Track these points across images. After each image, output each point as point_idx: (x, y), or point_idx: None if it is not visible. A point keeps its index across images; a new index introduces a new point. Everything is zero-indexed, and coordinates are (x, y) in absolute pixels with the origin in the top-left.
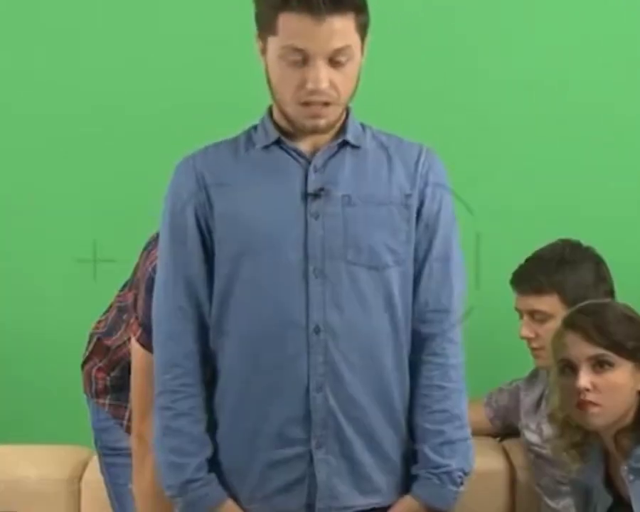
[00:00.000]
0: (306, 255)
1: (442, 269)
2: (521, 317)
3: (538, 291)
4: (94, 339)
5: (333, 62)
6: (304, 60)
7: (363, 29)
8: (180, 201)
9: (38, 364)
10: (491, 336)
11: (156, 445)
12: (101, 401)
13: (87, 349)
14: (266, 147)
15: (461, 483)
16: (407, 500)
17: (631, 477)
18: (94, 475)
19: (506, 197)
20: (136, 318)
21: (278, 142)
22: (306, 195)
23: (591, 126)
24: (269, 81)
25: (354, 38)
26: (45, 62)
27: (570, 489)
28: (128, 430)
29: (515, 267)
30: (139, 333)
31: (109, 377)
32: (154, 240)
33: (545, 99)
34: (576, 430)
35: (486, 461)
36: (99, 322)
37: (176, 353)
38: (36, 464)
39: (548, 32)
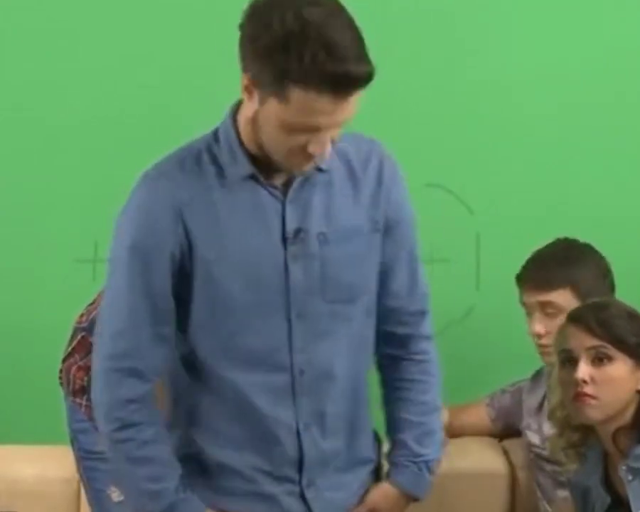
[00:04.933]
0: (287, 299)
1: (412, 273)
2: (529, 314)
3: (552, 284)
4: (79, 335)
5: None
6: (313, 129)
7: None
8: (152, 235)
9: (38, 364)
10: (491, 336)
11: (124, 478)
12: (78, 400)
13: (69, 344)
14: (240, 179)
15: (435, 471)
16: (385, 487)
17: (630, 477)
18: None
19: (506, 198)
20: None
21: (252, 175)
22: (284, 238)
23: (591, 127)
24: (254, 120)
25: (359, 98)
26: (45, 62)
27: (569, 489)
28: None
29: (514, 267)
30: None
31: (87, 377)
32: None
33: (546, 100)
34: (575, 430)
35: (486, 461)
36: (81, 315)
37: (136, 391)
38: (36, 464)
39: (547, 33)
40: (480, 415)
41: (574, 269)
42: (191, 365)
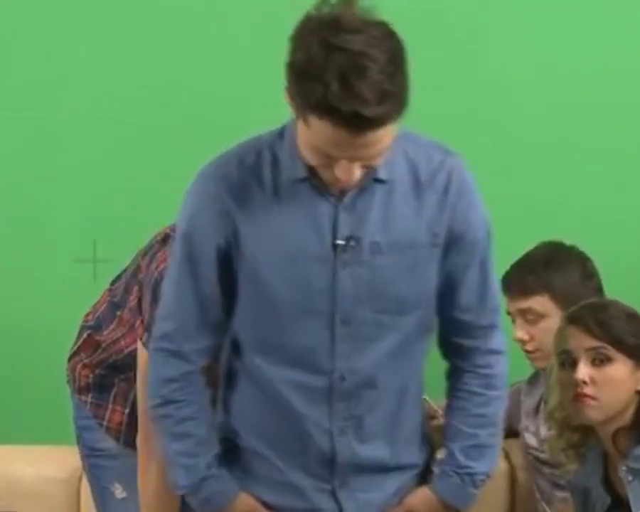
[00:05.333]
0: (333, 304)
1: (482, 287)
2: (513, 321)
3: (528, 292)
4: (85, 333)
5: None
6: (333, 157)
7: (404, 113)
8: (200, 228)
9: (38, 364)
10: None
11: (163, 450)
12: (83, 398)
13: (75, 342)
14: (295, 181)
15: (482, 486)
16: (425, 492)
17: (630, 477)
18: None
19: (505, 199)
20: (142, 321)
21: (306, 178)
22: (335, 244)
23: (590, 128)
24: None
25: (392, 134)
26: (44, 63)
27: (569, 490)
28: (107, 431)
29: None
30: (144, 336)
31: (92, 374)
32: (157, 243)
33: (545, 101)
34: (574, 431)
35: None
36: (88, 314)
37: (177, 371)
38: (36, 464)
39: (546, 34)
40: None
41: (552, 274)
42: (237, 352)
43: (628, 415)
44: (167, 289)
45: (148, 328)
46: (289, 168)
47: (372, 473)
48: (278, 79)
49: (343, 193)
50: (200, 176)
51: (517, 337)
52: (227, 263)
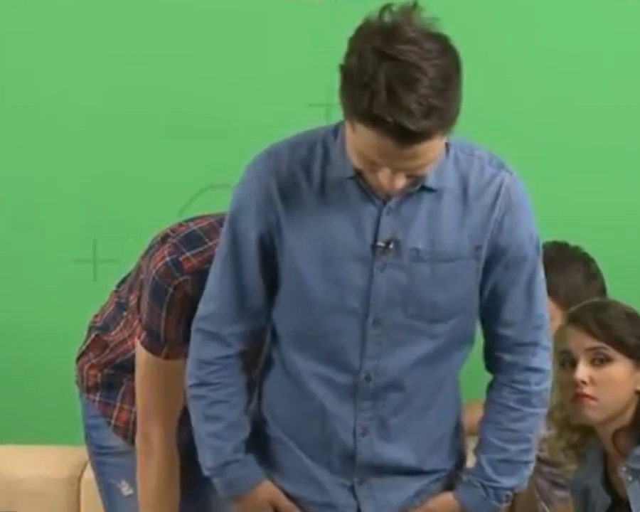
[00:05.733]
0: (367, 305)
1: (526, 304)
2: None
3: None
4: (93, 334)
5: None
6: (375, 164)
7: (452, 128)
8: (245, 215)
9: (38, 364)
10: None
11: (195, 430)
12: (91, 397)
13: (84, 343)
14: (342, 179)
15: (506, 501)
16: (447, 498)
17: (630, 478)
18: (93, 475)
19: None
20: (140, 320)
21: (354, 177)
22: (375, 246)
23: (592, 129)
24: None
25: (439, 147)
26: (44, 63)
27: (569, 490)
28: (115, 430)
29: None
30: (142, 336)
31: (101, 374)
32: (157, 243)
33: (546, 101)
34: (574, 431)
35: None
36: (96, 315)
37: (213, 353)
38: (36, 464)
39: (547, 35)
40: (479, 415)
41: (554, 276)
42: (275, 342)
43: (628, 415)
44: (212, 271)
45: (145, 328)
46: (339, 166)
47: (393, 474)
48: (280, 79)
49: (389, 196)
50: (251, 165)
51: None
52: (270, 252)
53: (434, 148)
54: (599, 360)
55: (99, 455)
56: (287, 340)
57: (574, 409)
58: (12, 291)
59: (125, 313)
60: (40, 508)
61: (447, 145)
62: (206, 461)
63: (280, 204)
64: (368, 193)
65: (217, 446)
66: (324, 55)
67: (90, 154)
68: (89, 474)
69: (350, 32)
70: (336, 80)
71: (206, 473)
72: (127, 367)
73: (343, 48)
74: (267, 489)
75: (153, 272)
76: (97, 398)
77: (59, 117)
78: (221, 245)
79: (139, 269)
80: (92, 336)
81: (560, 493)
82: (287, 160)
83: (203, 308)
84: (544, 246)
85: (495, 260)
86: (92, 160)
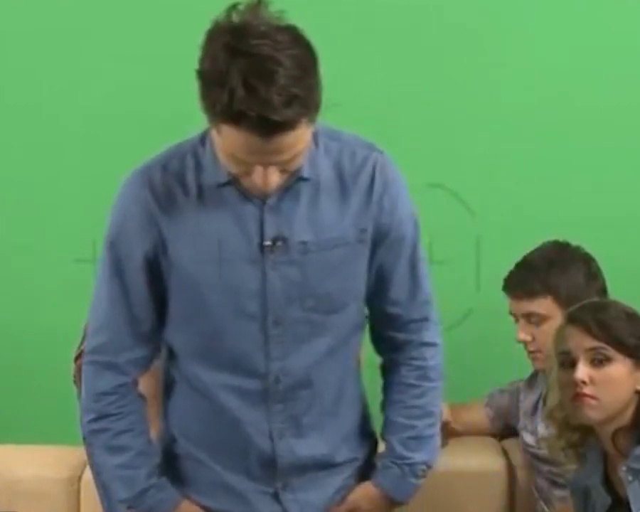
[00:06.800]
0: (264, 307)
1: (412, 280)
2: (516, 321)
3: (532, 295)
4: None
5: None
6: (248, 164)
7: (316, 116)
8: (126, 235)
9: (38, 364)
10: (492, 338)
11: (99, 468)
12: None
13: (81, 343)
14: (218, 186)
15: (423, 476)
16: (367, 486)
17: (630, 477)
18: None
19: (507, 200)
20: None
21: (230, 182)
22: (262, 245)
23: (593, 129)
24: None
25: (305, 136)
26: (44, 63)
27: (569, 489)
28: None
29: None
30: None
31: None
32: None
33: (545, 99)
34: (574, 431)
35: (485, 461)
36: None
37: (110, 383)
38: (36, 464)
39: (547, 32)
40: (479, 415)
41: (556, 276)
42: (172, 360)
43: (628, 415)
44: (96, 301)
45: None
46: (212, 173)
47: (313, 472)
48: None
49: (267, 195)
50: (124, 184)
51: (519, 338)
52: (156, 270)
53: (300, 138)
54: (599, 360)
55: None
56: (187, 355)
57: (574, 409)
58: (12, 291)
59: None
60: (40, 508)
61: (315, 135)
62: (118, 493)
63: (161, 218)
64: (246, 194)
65: (129, 476)
66: (324, 56)
67: (90, 154)
68: (89, 474)
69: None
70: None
71: (121, 505)
72: None
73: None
74: (188, 508)
75: None
76: None
77: (59, 117)
78: (102, 274)
79: None
80: None
81: (559, 493)
82: (160, 175)
83: (93, 340)
84: (545, 246)
85: (379, 241)
86: (92, 160)
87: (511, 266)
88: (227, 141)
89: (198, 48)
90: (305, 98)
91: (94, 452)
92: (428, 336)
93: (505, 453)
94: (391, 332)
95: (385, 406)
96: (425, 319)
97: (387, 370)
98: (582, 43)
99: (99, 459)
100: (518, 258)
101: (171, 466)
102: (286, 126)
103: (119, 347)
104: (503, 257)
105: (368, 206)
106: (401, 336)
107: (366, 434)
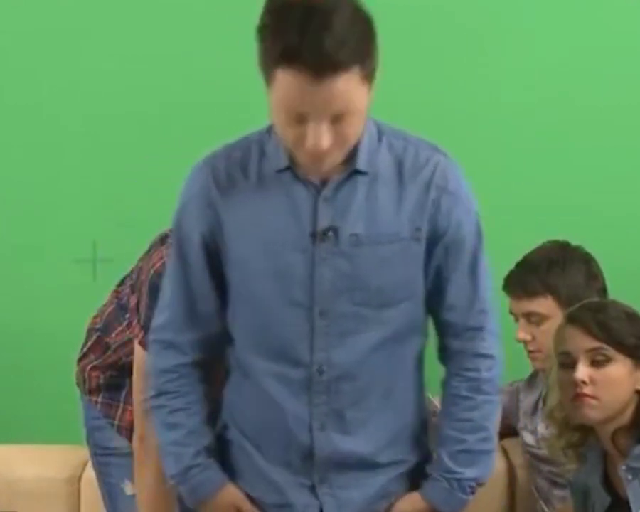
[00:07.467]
0: (312, 296)
1: (469, 287)
2: (516, 320)
3: (532, 294)
4: (94, 335)
5: (335, 118)
6: (302, 117)
7: (370, 77)
8: (187, 218)
9: (38, 364)
10: None
11: (158, 440)
12: (94, 398)
13: (85, 344)
14: (277, 171)
15: (472, 492)
16: (415, 497)
17: (630, 477)
18: (93, 475)
19: (506, 198)
20: (139, 320)
21: (289, 167)
22: (314, 235)
23: (593, 130)
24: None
25: (358, 93)
26: (44, 63)
27: (569, 489)
28: (119, 430)
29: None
30: (141, 335)
31: (103, 375)
32: (156, 243)
33: (546, 99)
34: (574, 430)
35: None
36: (95, 317)
37: (170, 362)
38: (36, 464)
39: (548, 32)
40: None
41: (556, 276)
42: (231, 346)
43: (628, 415)
44: (165, 281)
45: (145, 328)
46: (273, 159)
47: (354, 470)
48: None
49: (324, 184)
50: (191, 171)
51: (519, 337)
52: (214, 253)
53: (352, 91)
54: (599, 360)
55: (102, 456)
56: (241, 341)
57: (574, 409)
58: (12, 291)
59: (127, 315)
60: (40, 508)
61: (379, 132)
62: (169, 469)
63: (219, 203)
64: (304, 181)
65: (178, 452)
66: None
67: (90, 154)
68: (89, 474)
69: None
70: None
71: (170, 482)
72: (130, 368)
73: None
74: (231, 493)
75: (152, 271)
76: (100, 400)
77: (59, 117)
78: (171, 255)
79: (139, 270)
80: (94, 337)
81: (559, 493)
82: (224, 163)
83: (158, 317)
84: (545, 246)
85: (435, 241)
86: (92, 160)
87: (511, 266)
88: (281, 91)
89: (197, 48)
90: (358, 45)
91: (155, 427)
92: (483, 346)
93: (505, 453)
94: (446, 339)
95: (439, 417)
96: (481, 328)
97: (443, 381)
98: (581, 43)
99: (158, 434)
100: (518, 258)
101: (222, 452)
102: (338, 66)
103: (179, 326)
104: (503, 258)
105: (425, 205)
106: (455, 344)
107: (420, 440)
